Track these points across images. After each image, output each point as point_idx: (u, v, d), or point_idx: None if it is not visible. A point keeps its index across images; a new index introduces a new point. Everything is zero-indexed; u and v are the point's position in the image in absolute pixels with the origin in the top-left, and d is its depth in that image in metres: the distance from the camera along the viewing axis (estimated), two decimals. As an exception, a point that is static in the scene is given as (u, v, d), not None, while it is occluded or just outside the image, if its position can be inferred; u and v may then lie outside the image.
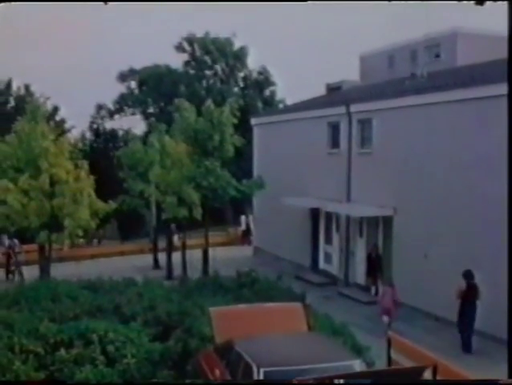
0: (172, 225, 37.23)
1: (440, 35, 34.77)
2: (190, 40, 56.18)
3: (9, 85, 55.56)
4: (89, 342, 14.84)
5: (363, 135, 27.20)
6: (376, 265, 25.95)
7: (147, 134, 42.86)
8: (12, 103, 55.20)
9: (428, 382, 12.13)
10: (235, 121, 26.36)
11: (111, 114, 61.33)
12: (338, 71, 62.15)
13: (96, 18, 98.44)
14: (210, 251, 38.68)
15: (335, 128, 29.24)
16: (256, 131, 38.21)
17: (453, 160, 21.84)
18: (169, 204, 26.80)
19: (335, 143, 29.27)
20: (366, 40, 59.30)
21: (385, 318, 21.13)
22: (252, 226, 40.48)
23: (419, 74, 28.90)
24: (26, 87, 55.76)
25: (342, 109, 28.16)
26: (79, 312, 16.68)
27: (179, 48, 56.41)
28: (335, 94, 36.97)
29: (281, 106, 57.18)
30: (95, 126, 61.57)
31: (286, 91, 66.19)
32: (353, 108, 27.60)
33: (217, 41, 55.62)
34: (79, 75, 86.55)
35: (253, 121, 38.70)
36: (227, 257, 37.32)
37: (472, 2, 7.46)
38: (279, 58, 76.95)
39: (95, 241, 61.17)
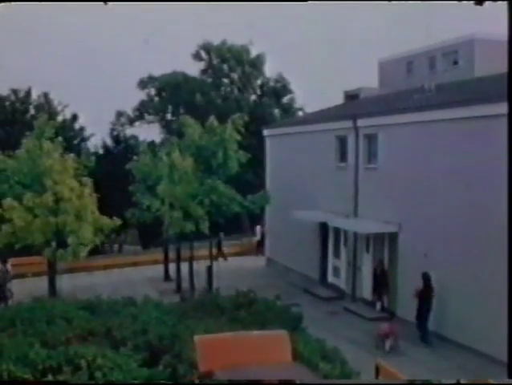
0: (221, 234, 38.89)
1: (458, 42, 34.58)
2: (207, 48, 56.33)
3: (28, 93, 56.03)
4: (78, 367, 14.90)
5: (370, 150, 27.11)
6: (382, 281, 25.83)
7: (163, 143, 43.17)
8: (32, 111, 55.61)
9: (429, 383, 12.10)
10: (238, 138, 26.30)
11: (131, 121, 61.70)
12: (358, 77, 61.67)
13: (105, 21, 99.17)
14: (223, 261, 39.01)
15: (343, 142, 29.18)
16: (268, 142, 38.29)
17: (456, 178, 21.69)
18: (175, 218, 26.86)
19: (343, 157, 29.22)
20: (385, 44, 58.94)
21: (387, 345, 21.21)
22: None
23: (426, 87, 28.67)
24: (45, 95, 56.17)
25: (349, 123, 28.10)
26: (71, 335, 16.73)
27: (196, 56, 56.66)
28: (346, 105, 36.88)
29: (300, 114, 57.26)
30: (115, 133, 62.03)
31: (305, 98, 65.85)
32: (360, 123, 27.52)
33: (233, 49, 55.70)
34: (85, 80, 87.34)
35: (265, 132, 38.82)
36: (240, 268, 37.47)
37: (472, 1, 7.41)
38: (298, 64, 76.75)
39: (116, 246, 61.84)
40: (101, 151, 61.10)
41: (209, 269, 27.30)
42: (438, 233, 22.56)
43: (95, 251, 33.21)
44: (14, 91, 55.64)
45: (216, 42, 56.41)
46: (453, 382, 15.31)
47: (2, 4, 7.53)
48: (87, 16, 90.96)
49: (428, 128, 23.27)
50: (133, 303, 20.60)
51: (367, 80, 47.53)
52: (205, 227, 27.48)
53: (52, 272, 26.54)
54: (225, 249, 41.74)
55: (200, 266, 30.31)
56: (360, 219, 27.39)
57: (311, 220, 30.22)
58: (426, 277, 22.19)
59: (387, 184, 25.72)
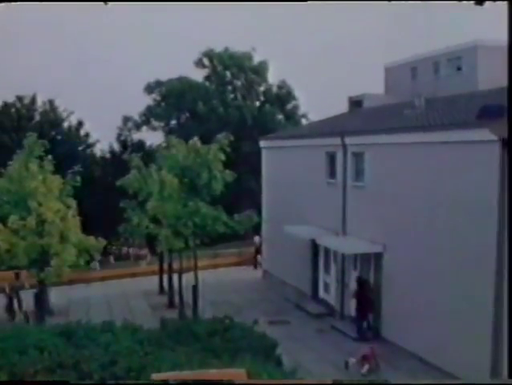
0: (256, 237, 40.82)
1: (461, 48, 34.54)
2: (209, 55, 56.39)
3: (33, 100, 56.20)
4: (41, 403, 15.01)
5: (357, 168, 27.06)
6: (368, 300, 25.78)
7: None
8: (37, 118, 55.79)
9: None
10: (223, 158, 26.24)
11: (138, 126, 61.86)
12: (363, 82, 61.45)
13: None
14: (221, 271, 39.24)
15: (332, 159, 29.14)
16: (264, 154, 38.39)
17: (437, 201, 21.64)
18: (164, 236, 26.95)
19: (332, 173, 29.19)
20: (390, 49, 58.65)
21: (352, 360, 21.25)
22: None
23: (416, 103, 28.50)
24: (50, 102, 56.31)
25: (337, 140, 28.04)
26: (39, 367, 16.80)
27: (199, 64, 56.77)
28: (345, 116, 36.78)
29: (303, 120, 57.31)
30: (122, 138, 62.11)
31: (311, 103, 65.79)
32: (347, 140, 27.47)
33: (235, 56, 55.71)
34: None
35: (261, 143, 38.89)
36: (236, 280, 37.58)
37: (472, 1, 7.40)
38: (302, 70, 76.70)
39: (125, 248, 62.31)
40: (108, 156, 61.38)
41: (194, 289, 27.09)
42: (421, 255, 22.51)
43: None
44: (20, 98, 55.80)
45: (218, 48, 56.56)
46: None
47: (2, 4, 7.56)
48: (88, 18, 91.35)
49: (412, 150, 23.19)
50: (110, 329, 20.63)
51: (374, 85, 47.59)
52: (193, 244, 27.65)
53: (41, 287, 26.59)
54: (223, 260, 41.98)
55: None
56: (347, 237, 27.38)
57: (300, 237, 30.19)
58: (359, 281, 25.61)
59: (373, 203, 25.67)
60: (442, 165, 21.47)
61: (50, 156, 26.85)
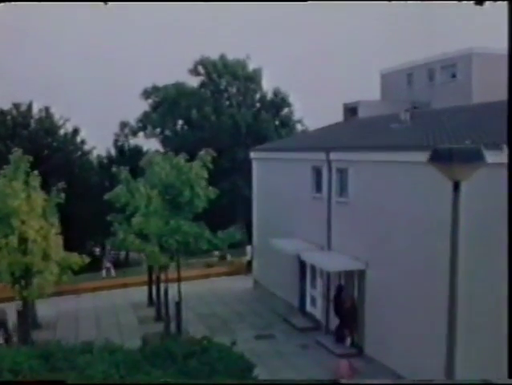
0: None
1: (456, 55, 34.67)
2: (204, 63, 56.45)
3: (30, 107, 56.13)
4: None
5: (342, 184, 27.09)
6: (352, 316, 25.86)
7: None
8: (33, 125, 55.70)
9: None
10: (206, 175, 26.26)
11: (135, 132, 61.92)
12: (359, 88, 61.50)
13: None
14: (212, 281, 39.41)
15: (319, 173, 29.20)
16: (254, 165, 38.47)
17: (417, 218, 21.67)
18: (150, 252, 27.03)
19: (319, 187, 29.25)
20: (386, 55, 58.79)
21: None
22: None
23: (403, 118, 28.54)
24: (46, 109, 56.25)
25: (323, 155, 28.08)
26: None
27: (193, 71, 56.85)
28: (338, 126, 36.85)
29: (299, 126, 57.43)
30: (119, 143, 62.17)
31: (305, 109, 65.89)
32: (332, 156, 27.50)
33: (228, 64, 55.76)
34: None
35: (252, 155, 38.94)
36: (226, 291, 37.71)
37: (471, 2, 7.47)
38: (298, 76, 76.79)
39: (123, 253, 62.58)
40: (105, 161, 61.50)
41: (178, 305, 27.12)
42: (401, 273, 22.55)
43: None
44: (16, 105, 55.71)
45: (213, 55, 56.71)
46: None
47: (2, 4, 7.62)
48: (87, 20, 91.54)
49: (392, 167, 23.22)
50: (90, 350, 20.65)
51: (370, 90, 47.77)
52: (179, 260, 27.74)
53: (25, 304, 26.56)
54: (215, 269, 42.14)
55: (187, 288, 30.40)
56: (331, 253, 27.45)
57: (286, 251, 30.23)
58: (338, 288, 26.72)
59: (356, 219, 25.72)
60: (420, 184, 21.51)
61: (36, 172, 26.82)
